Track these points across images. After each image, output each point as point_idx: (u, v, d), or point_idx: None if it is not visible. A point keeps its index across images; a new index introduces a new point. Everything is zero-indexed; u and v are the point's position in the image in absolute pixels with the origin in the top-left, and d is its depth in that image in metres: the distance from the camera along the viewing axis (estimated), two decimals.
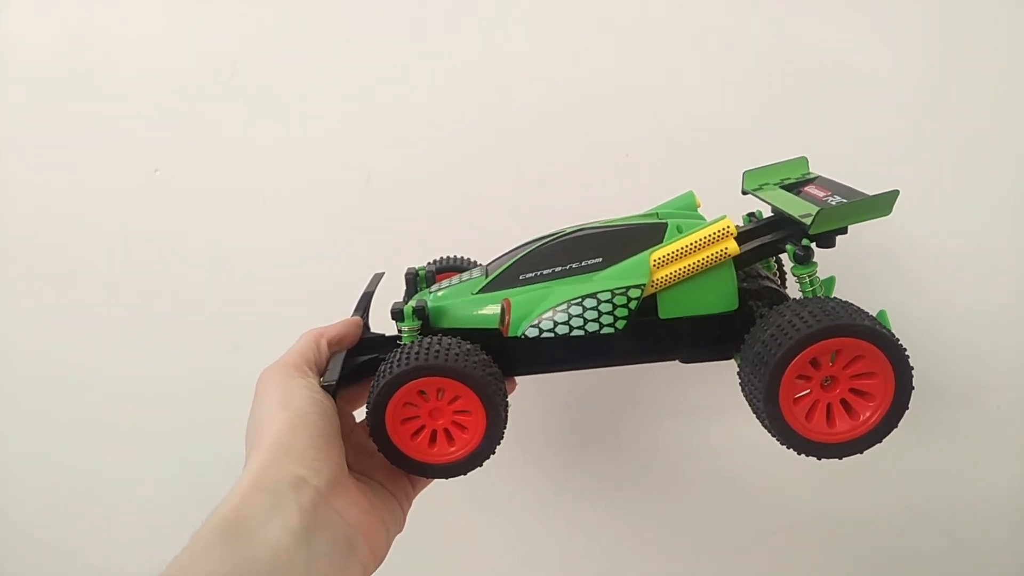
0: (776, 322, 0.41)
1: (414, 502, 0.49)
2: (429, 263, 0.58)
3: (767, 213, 0.52)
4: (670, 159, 0.65)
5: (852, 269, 0.64)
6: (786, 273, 0.56)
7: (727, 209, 0.51)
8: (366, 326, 0.53)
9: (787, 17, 0.63)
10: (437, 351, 0.42)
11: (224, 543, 0.35)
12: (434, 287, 0.51)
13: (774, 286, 0.48)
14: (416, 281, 0.55)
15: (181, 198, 0.70)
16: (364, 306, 0.53)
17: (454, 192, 0.67)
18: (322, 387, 0.44)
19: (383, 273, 0.57)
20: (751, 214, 0.54)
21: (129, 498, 0.77)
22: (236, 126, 0.68)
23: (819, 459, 0.42)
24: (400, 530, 0.46)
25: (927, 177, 0.64)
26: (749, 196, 0.53)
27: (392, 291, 0.55)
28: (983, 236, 0.65)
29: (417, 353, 0.42)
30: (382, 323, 0.52)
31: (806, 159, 0.53)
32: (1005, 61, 0.62)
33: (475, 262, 0.59)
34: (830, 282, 0.49)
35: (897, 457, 0.69)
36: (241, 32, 0.67)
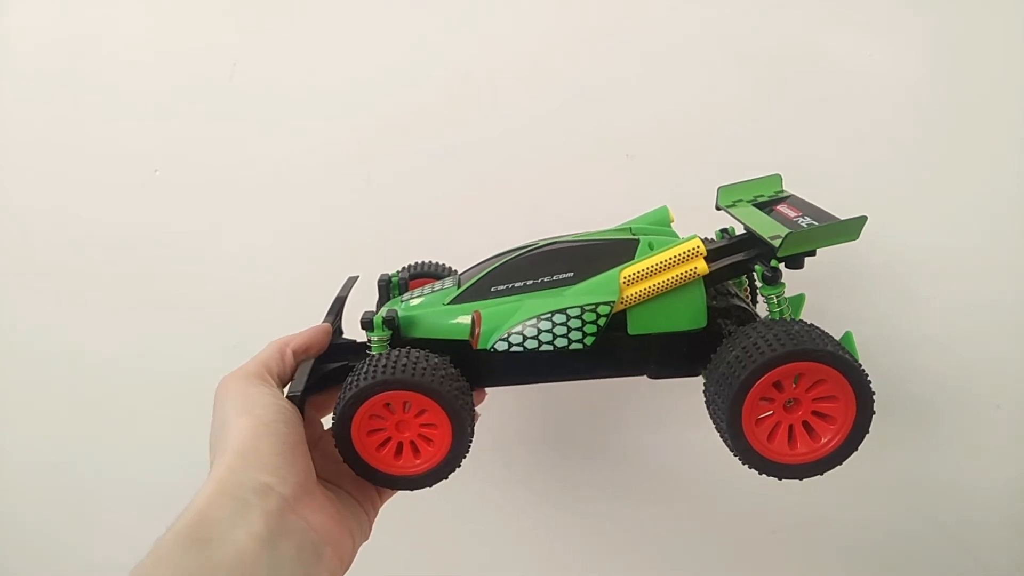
0: (741, 343, 0.42)
1: (389, 505, 0.49)
2: (402, 269, 0.57)
3: (740, 229, 0.52)
4: (670, 159, 0.65)
5: (850, 269, 0.65)
6: (757, 289, 0.57)
7: (723, 214, 0.51)
8: (339, 331, 0.52)
9: (788, 18, 0.63)
10: (404, 365, 0.42)
11: (189, 549, 0.35)
12: (406, 295, 0.51)
13: (743, 305, 0.48)
14: (389, 288, 0.54)
15: (181, 198, 0.70)
16: (336, 311, 0.53)
17: (455, 192, 0.67)
18: (288, 398, 0.43)
19: (357, 277, 0.57)
20: (724, 230, 0.54)
21: (130, 496, 0.77)
22: (236, 126, 0.68)
23: (780, 479, 0.42)
24: (366, 539, 0.46)
25: (922, 177, 0.64)
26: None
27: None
28: (982, 234, 0.65)
29: (384, 366, 0.42)
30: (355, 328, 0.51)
31: (780, 177, 0.54)
32: (1002, 63, 0.62)
33: (449, 268, 0.59)
34: (798, 300, 0.50)
35: (896, 457, 0.69)
36: (241, 32, 0.66)
